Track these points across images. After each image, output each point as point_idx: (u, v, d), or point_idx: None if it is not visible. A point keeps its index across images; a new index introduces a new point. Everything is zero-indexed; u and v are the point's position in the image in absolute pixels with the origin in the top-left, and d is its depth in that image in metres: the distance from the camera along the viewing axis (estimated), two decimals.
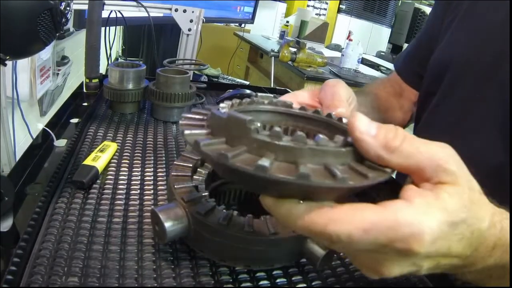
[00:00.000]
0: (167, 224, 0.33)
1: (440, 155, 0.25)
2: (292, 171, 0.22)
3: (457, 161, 0.26)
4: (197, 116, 0.30)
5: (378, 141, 0.25)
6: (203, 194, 0.37)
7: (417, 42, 0.68)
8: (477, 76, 0.51)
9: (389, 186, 0.26)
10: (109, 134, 0.61)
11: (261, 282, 0.35)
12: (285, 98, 0.41)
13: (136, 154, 0.56)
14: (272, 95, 0.36)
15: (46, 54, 1.01)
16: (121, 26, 1.39)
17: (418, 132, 0.63)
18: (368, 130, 0.25)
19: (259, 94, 0.36)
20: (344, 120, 0.33)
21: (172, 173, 0.40)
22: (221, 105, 0.30)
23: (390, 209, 0.23)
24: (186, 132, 0.26)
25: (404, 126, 0.72)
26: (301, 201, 0.24)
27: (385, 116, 0.66)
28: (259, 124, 0.24)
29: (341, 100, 0.38)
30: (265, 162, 0.22)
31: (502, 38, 0.49)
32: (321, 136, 0.24)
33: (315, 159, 0.24)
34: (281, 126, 0.36)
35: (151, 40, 1.09)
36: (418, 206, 0.24)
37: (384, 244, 0.23)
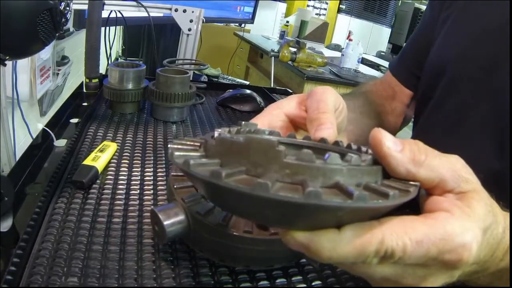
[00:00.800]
0: (167, 224, 0.33)
1: (458, 166, 0.25)
2: (339, 194, 0.20)
3: (470, 170, 0.26)
4: (188, 146, 0.26)
5: (406, 156, 0.24)
6: (203, 194, 0.37)
7: (412, 42, 0.68)
8: (472, 81, 0.51)
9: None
10: (109, 134, 0.61)
11: (261, 282, 0.35)
12: (271, 110, 0.37)
13: (136, 154, 0.56)
14: (256, 124, 0.33)
15: (46, 54, 1.01)
16: (121, 26, 1.39)
17: (416, 137, 0.62)
18: (395, 146, 0.25)
19: (243, 122, 0.33)
20: (340, 144, 0.30)
21: (172, 173, 0.40)
22: (216, 131, 0.27)
23: (438, 220, 0.23)
24: (192, 162, 0.21)
25: (397, 130, 0.71)
26: (342, 227, 0.22)
27: (376, 121, 0.65)
28: (283, 147, 0.21)
29: (326, 112, 0.34)
30: (313, 188, 0.19)
31: (498, 41, 0.48)
32: (352, 155, 0.22)
33: (354, 179, 0.22)
34: None
35: (151, 40, 1.09)
36: (460, 216, 0.24)
37: (434, 257, 0.23)
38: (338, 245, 0.22)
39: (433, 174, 0.25)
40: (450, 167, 0.25)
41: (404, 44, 0.73)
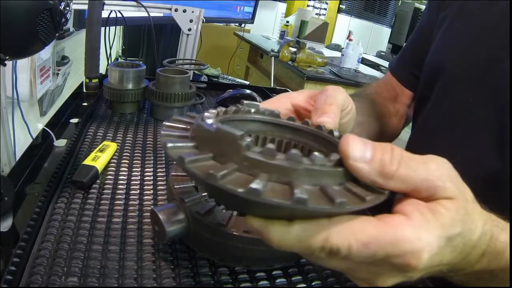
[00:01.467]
0: (167, 224, 0.33)
1: (436, 174, 0.25)
2: (287, 193, 0.21)
3: (452, 176, 0.26)
4: (179, 125, 0.28)
5: (374, 168, 0.24)
6: (203, 194, 0.37)
7: (411, 42, 0.68)
8: (470, 81, 0.51)
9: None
10: (109, 134, 0.61)
11: (261, 282, 0.35)
12: (280, 98, 0.39)
13: (136, 154, 0.56)
14: (258, 103, 0.34)
15: (46, 54, 1.01)
16: (121, 26, 1.39)
17: (414, 137, 0.62)
18: (363, 156, 0.24)
19: (245, 102, 0.34)
20: (336, 133, 0.31)
21: (172, 173, 0.40)
22: (206, 114, 0.28)
23: (390, 224, 0.23)
24: (169, 145, 0.24)
25: (399, 131, 0.71)
26: (293, 220, 0.23)
27: (380, 123, 0.66)
28: (250, 139, 0.23)
29: (333, 104, 0.35)
30: (258, 184, 0.20)
31: (495, 40, 0.48)
32: (317, 154, 0.23)
33: (311, 179, 0.22)
34: (268, 137, 0.35)
35: (151, 40, 1.09)
36: (417, 222, 0.23)
37: (381, 259, 0.23)
38: (286, 236, 0.23)
39: (403, 185, 0.24)
40: (426, 177, 0.24)
41: (404, 44, 0.73)
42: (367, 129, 0.59)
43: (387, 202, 0.25)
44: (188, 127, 0.28)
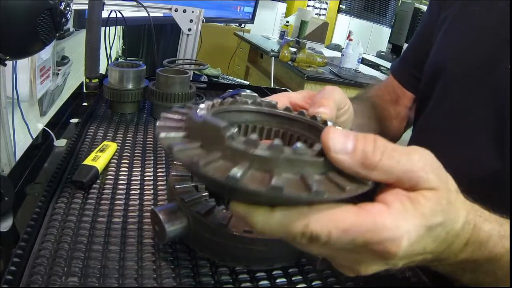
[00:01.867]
0: (167, 224, 0.33)
1: (419, 165, 0.25)
2: (265, 181, 0.22)
3: (435, 167, 0.26)
4: (175, 116, 0.29)
5: (355, 159, 0.24)
6: (203, 194, 0.37)
7: (412, 44, 0.68)
8: (470, 81, 0.51)
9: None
10: (109, 134, 0.61)
11: (261, 282, 0.35)
12: (277, 97, 0.40)
13: (136, 154, 0.56)
14: (256, 94, 0.35)
15: (46, 54, 1.01)
16: (121, 26, 1.39)
17: (415, 137, 0.62)
18: (344, 147, 0.24)
19: (243, 93, 0.35)
20: (329, 123, 0.32)
21: (172, 173, 0.40)
22: (201, 105, 0.29)
23: (370, 212, 0.24)
24: (162, 135, 0.25)
25: (401, 133, 0.71)
26: (275, 207, 0.24)
27: (381, 126, 0.66)
28: (235, 130, 0.24)
29: (329, 99, 0.36)
30: (237, 171, 0.21)
31: (495, 40, 0.48)
32: (299, 145, 0.23)
33: (292, 168, 0.23)
34: (265, 127, 0.35)
35: (151, 40, 1.09)
36: (396, 211, 0.24)
37: (361, 245, 0.24)
38: (268, 222, 0.24)
39: (386, 176, 0.25)
40: (408, 168, 0.25)
41: (405, 44, 0.73)
42: (366, 131, 0.59)
43: (373, 192, 0.26)
44: (184, 118, 0.29)
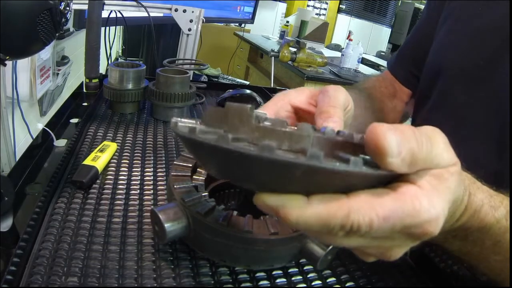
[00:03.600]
0: (167, 224, 0.33)
1: (442, 146, 0.25)
2: (299, 156, 0.20)
3: (448, 143, 0.26)
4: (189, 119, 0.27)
5: (405, 162, 0.22)
6: (203, 194, 0.37)
7: (410, 41, 0.68)
8: (470, 81, 0.51)
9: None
10: (109, 134, 0.61)
11: (261, 282, 0.35)
12: (278, 100, 0.38)
13: (136, 154, 0.56)
14: (265, 113, 0.33)
15: (46, 54, 1.01)
16: (121, 26, 1.39)
17: None
18: (397, 152, 0.22)
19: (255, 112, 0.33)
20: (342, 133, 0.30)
21: (172, 173, 0.40)
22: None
23: (406, 195, 0.23)
24: (180, 124, 0.23)
25: None
26: (311, 196, 0.22)
27: (377, 118, 0.65)
28: (260, 112, 0.22)
29: (336, 107, 0.34)
30: (271, 143, 0.19)
31: (496, 41, 0.48)
32: (328, 127, 0.23)
33: (323, 148, 0.22)
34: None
35: (151, 40, 1.09)
36: (428, 191, 0.23)
37: (399, 230, 0.23)
38: (305, 212, 0.22)
39: (423, 167, 0.24)
40: (438, 153, 0.24)
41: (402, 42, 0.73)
42: (362, 122, 0.59)
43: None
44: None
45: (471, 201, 0.29)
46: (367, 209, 0.22)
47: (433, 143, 0.24)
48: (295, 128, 0.22)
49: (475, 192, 0.29)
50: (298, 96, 0.38)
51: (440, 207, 0.23)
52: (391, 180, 0.24)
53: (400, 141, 0.22)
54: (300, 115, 0.38)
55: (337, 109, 0.34)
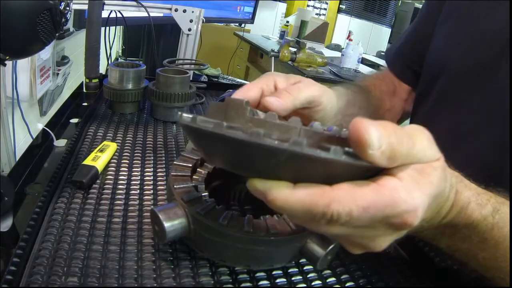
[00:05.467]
0: (167, 224, 0.33)
1: (425, 143, 0.26)
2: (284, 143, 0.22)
3: (432, 140, 0.27)
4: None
5: (384, 155, 0.24)
6: (203, 194, 0.37)
7: (409, 37, 0.68)
8: (472, 81, 0.51)
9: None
10: (109, 134, 0.61)
11: (261, 282, 0.35)
12: (265, 80, 0.40)
13: (136, 154, 0.56)
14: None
15: (46, 54, 1.01)
16: (121, 26, 1.39)
17: None
18: (378, 145, 0.23)
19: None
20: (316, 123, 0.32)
21: (172, 173, 0.40)
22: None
23: (386, 187, 0.24)
24: (184, 115, 0.26)
25: None
26: (296, 184, 0.24)
27: (374, 116, 0.65)
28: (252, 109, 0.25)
29: (291, 94, 0.36)
30: (260, 131, 0.22)
31: (500, 41, 0.48)
32: (316, 122, 0.25)
33: (309, 139, 0.24)
34: None
35: (151, 40, 1.09)
36: (409, 183, 0.25)
37: (379, 220, 0.25)
38: (290, 199, 0.24)
39: (403, 162, 0.25)
40: (420, 149, 0.25)
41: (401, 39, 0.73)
42: None
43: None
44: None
45: (457, 199, 0.30)
46: (347, 199, 0.23)
47: (415, 140, 0.25)
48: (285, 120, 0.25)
49: (462, 190, 0.30)
50: (283, 81, 0.40)
51: (419, 199, 0.25)
52: (375, 173, 0.25)
53: (381, 135, 0.23)
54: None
55: (289, 96, 0.36)
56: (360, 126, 0.23)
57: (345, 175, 0.25)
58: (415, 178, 0.25)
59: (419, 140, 0.25)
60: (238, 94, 0.38)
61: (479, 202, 0.31)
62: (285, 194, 0.24)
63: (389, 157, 0.24)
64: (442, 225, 0.31)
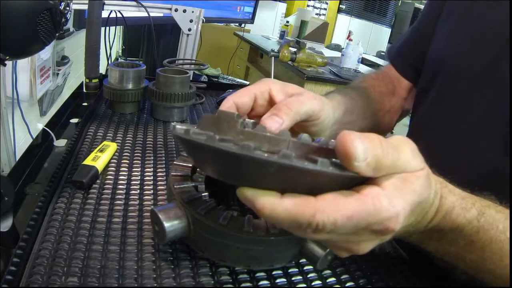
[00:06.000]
0: (167, 224, 0.33)
1: (409, 155, 0.27)
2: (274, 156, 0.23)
3: (416, 150, 0.28)
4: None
5: (370, 166, 0.25)
6: (203, 194, 0.37)
7: (412, 34, 0.68)
8: (474, 76, 0.51)
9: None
10: (109, 134, 0.61)
11: (261, 282, 0.35)
12: (260, 86, 0.40)
13: (136, 154, 0.56)
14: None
15: (46, 54, 1.01)
16: (121, 26, 1.39)
17: (414, 133, 0.62)
18: (363, 157, 0.25)
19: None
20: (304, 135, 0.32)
21: (172, 173, 0.40)
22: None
23: (368, 196, 0.25)
24: (178, 126, 0.27)
25: (392, 126, 0.71)
26: (284, 194, 0.25)
27: (371, 121, 0.65)
28: (245, 120, 0.26)
29: (291, 110, 0.36)
30: (251, 144, 0.23)
31: (502, 39, 0.49)
32: (304, 134, 0.26)
33: (298, 151, 0.25)
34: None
35: (151, 40, 1.09)
36: (390, 191, 0.26)
37: (363, 228, 0.26)
38: (277, 208, 0.25)
39: (388, 172, 0.26)
40: (405, 160, 0.27)
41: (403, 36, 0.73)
42: (352, 128, 0.59)
43: None
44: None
45: (442, 204, 0.31)
46: (331, 209, 0.24)
47: (400, 152, 0.27)
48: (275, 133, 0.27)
49: (446, 195, 0.31)
50: (279, 90, 0.40)
51: (400, 206, 0.26)
52: (360, 183, 0.27)
53: (366, 148, 0.25)
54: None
55: (289, 112, 0.36)
56: (346, 139, 0.24)
57: (332, 185, 0.26)
58: (397, 186, 0.26)
59: (403, 152, 0.27)
60: (231, 99, 0.38)
61: (463, 206, 0.32)
62: (273, 203, 0.25)
63: (374, 168, 0.25)
64: (428, 230, 0.32)
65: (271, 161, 0.22)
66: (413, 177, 0.27)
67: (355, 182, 0.27)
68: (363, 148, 0.24)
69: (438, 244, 0.34)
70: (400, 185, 0.26)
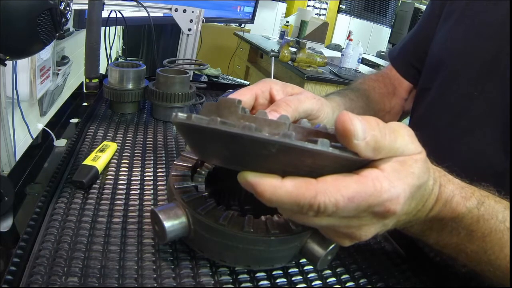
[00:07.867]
0: (167, 224, 0.33)
1: (407, 138, 0.27)
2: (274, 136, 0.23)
3: (413, 135, 0.28)
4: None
5: (369, 146, 0.25)
6: (203, 194, 0.37)
7: (413, 35, 0.68)
8: (475, 74, 0.51)
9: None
10: (109, 134, 0.61)
11: (261, 282, 0.35)
12: (261, 87, 0.41)
13: (136, 154, 0.56)
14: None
15: (46, 54, 1.01)
16: (121, 26, 1.39)
17: (413, 129, 0.62)
18: (363, 136, 0.25)
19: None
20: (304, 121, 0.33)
21: (172, 173, 0.40)
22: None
23: (369, 178, 0.25)
24: (179, 115, 0.26)
25: None
26: (285, 177, 0.25)
27: None
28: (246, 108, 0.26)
29: (290, 106, 0.36)
30: (252, 125, 0.23)
31: (502, 36, 0.49)
32: (304, 120, 0.27)
33: (298, 134, 0.25)
34: None
35: (151, 40, 1.09)
36: (390, 173, 0.26)
37: (364, 209, 0.26)
38: (278, 191, 0.25)
39: (386, 155, 0.27)
40: (403, 143, 0.27)
41: (405, 36, 0.74)
42: None
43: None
44: None
45: (441, 192, 0.31)
46: (333, 191, 0.25)
47: (397, 135, 0.27)
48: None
49: (445, 184, 0.32)
50: (279, 90, 0.41)
51: (400, 187, 0.26)
52: (359, 168, 0.27)
53: (365, 127, 0.25)
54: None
55: (288, 108, 0.37)
56: (346, 118, 0.25)
57: (332, 167, 0.26)
58: (396, 169, 0.26)
59: (400, 135, 0.27)
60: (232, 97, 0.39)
61: (463, 195, 0.32)
62: (274, 185, 0.25)
63: (373, 148, 0.25)
64: (429, 219, 0.32)
65: (272, 139, 0.22)
66: (411, 160, 0.27)
67: (355, 165, 0.26)
68: (362, 127, 0.25)
69: (439, 236, 0.34)
70: (399, 168, 0.26)
